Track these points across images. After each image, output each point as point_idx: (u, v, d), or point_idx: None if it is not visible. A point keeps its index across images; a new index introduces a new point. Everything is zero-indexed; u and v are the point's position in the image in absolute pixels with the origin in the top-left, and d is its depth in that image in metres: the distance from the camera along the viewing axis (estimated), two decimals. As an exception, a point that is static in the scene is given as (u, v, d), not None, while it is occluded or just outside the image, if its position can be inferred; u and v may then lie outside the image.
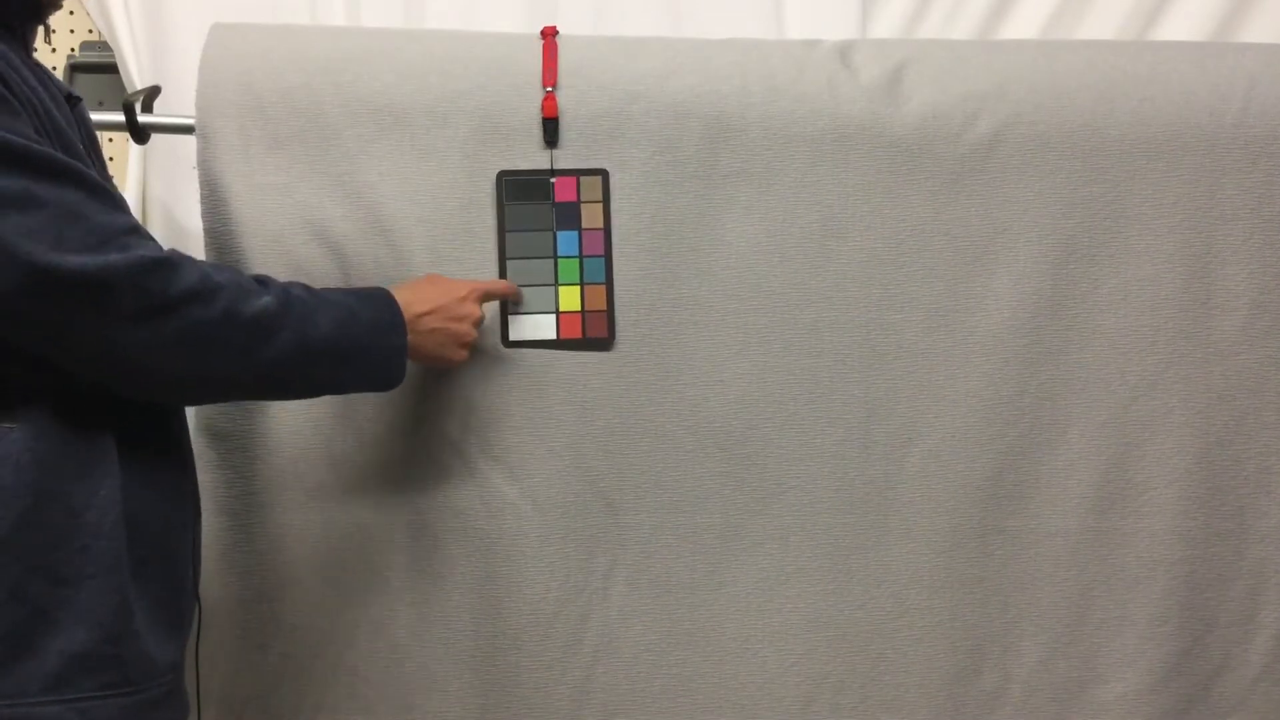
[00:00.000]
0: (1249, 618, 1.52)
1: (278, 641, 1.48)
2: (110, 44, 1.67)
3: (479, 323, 1.37)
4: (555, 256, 1.47)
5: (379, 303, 1.23)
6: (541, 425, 1.47)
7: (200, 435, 1.46)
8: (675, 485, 1.49)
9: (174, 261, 1.04)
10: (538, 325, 1.47)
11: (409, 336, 1.25)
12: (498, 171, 1.45)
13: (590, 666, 1.49)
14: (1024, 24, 1.74)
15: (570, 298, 1.47)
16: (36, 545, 1.03)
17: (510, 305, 1.46)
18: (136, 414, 1.11)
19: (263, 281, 1.13)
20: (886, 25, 1.75)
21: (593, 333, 1.47)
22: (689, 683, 1.49)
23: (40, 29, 1.20)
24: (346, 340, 1.17)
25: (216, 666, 1.47)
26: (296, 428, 1.46)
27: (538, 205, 1.46)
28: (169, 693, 1.14)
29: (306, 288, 1.18)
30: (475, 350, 1.45)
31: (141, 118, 1.47)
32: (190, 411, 1.48)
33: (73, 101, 1.18)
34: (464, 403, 1.46)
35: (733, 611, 1.50)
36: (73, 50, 1.76)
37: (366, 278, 1.44)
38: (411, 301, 1.27)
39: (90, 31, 1.75)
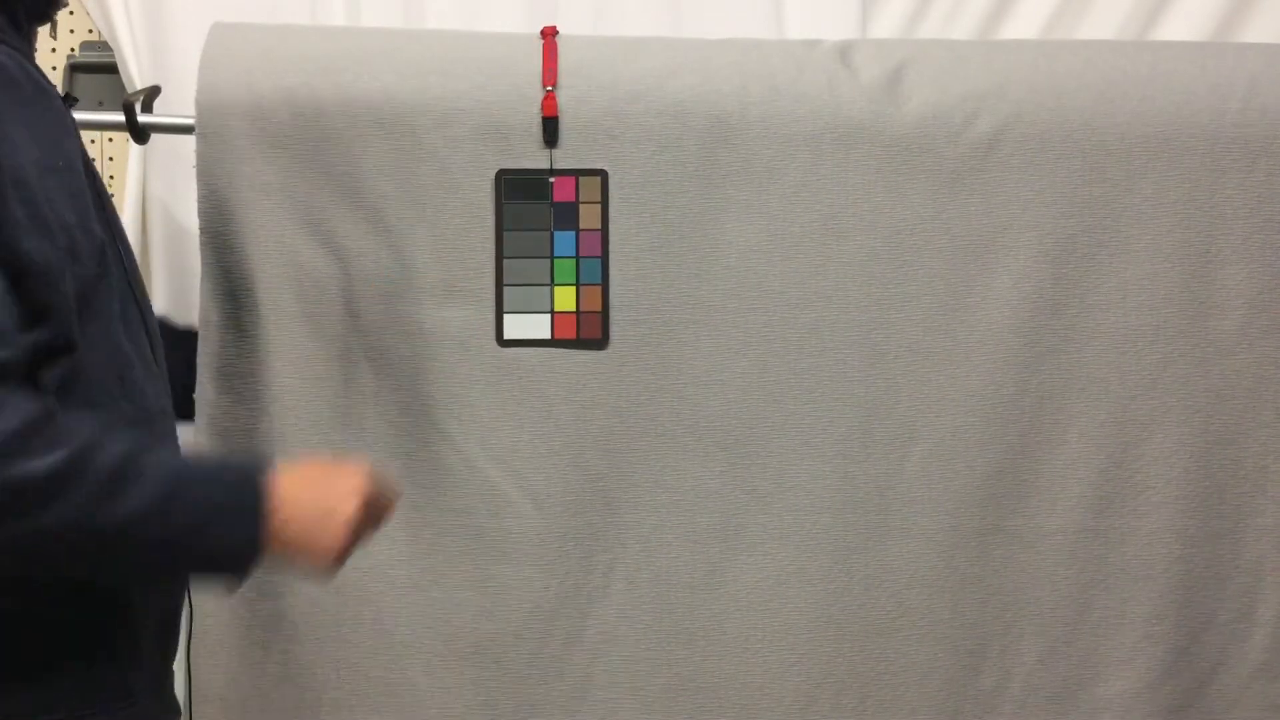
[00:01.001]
0: (1246, 615, 1.53)
1: (280, 639, 1.48)
2: (110, 44, 1.67)
3: (359, 531, 1.11)
4: (552, 256, 1.47)
5: (239, 485, 1.05)
6: (542, 424, 1.47)
7: (204, 435, 1.46)
8: (675, 485, 1.49)
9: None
10: (532, 325, 1.47)
11: (270, 524, 1.03)
12: (497, 170, 1.45)
13: (590, 665, 1.49)
14: (1024, 24, 1.74)
15: (565, 298, 1.47)
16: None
17: (506, 303, 1.46)
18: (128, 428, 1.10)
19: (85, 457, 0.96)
20: (886, 25, 1.75)
21: (587, 334, 1.47)
22: (689, 682, 1.50)
23: (46, 27, 1.20)
24: (180, 527, 1.01)
25: (219, 665, 1.47)
26: (299, 427, 1.46)
27: (536, 205, 1.46)
28: (162, 701, 1.15)
29: (166, 467, 1.01)
30: (476, 351, 1.45)
31: (141, 118, 1.47)
32: (195, 410, 1.49)
33: (69, 102, 1.18)
34: (464, 402, 1.46)
35: (733, 611, 1.50)
36: (73, 50, 1.76)
37: (367, 277, 1.44)
38: (285, 494, 1.05)
39: (90, 31, 1.75)
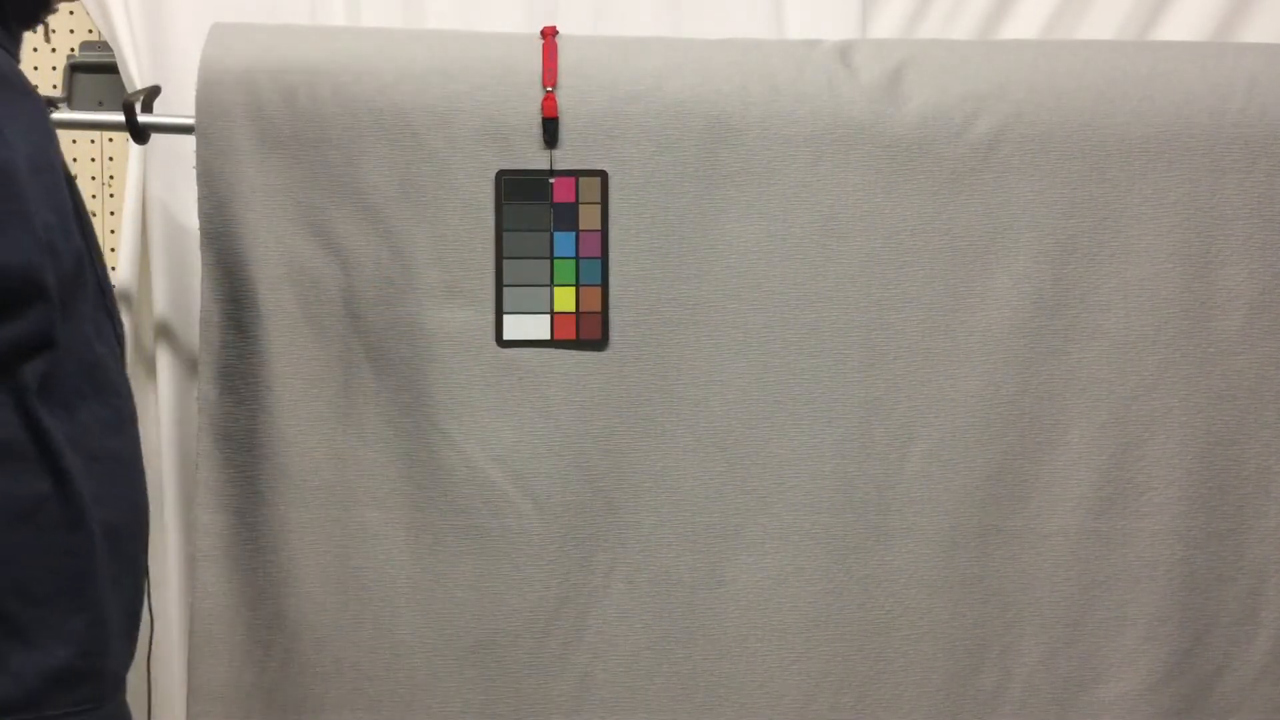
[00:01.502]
0: (1249, 617, 1.52)
1: (281, 638, 1.48)
2: (110, 44, 1.67)
3: None
4: (551, 257, 1.47)
5: None
6: (542, 424, 1.47)
7: (207, 435, 1.46)
8: (675, 485, 1.49)
9: None
10: (532, 325, 1.47)
11: None
12: (496, 171, 1.46)
13: (590, 664, 1.49)
14: (1024, 24, 1.74)
15: (565, 299, 1.47)
16: (10, 564, 1.03)
17: (506, 304, 1.46)
18: (102, 430, 1.11)
19: None
20: (886, 25, 1.75)
21: (586, 334, 1.48)
22: (689, 682, 1.50)
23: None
24: None
25: (219, 665, 1.47)
26: (300, 427, 1.46)
27: (536, 205, 1.46)
28: (120, 702, 1.15)
29: None
30: (476, 351, 1.45)
31: (141, 118, 1.47)
32: (196, 411, 1.49)
33: (51, 107, 1.19)
34: (464, 403, 1.46)
35: (733, 611, 1.50)
36: (72, 50, 1.76)
37: (367, 277, 1.45)
38: None
39: (90, 31, 1.75)
